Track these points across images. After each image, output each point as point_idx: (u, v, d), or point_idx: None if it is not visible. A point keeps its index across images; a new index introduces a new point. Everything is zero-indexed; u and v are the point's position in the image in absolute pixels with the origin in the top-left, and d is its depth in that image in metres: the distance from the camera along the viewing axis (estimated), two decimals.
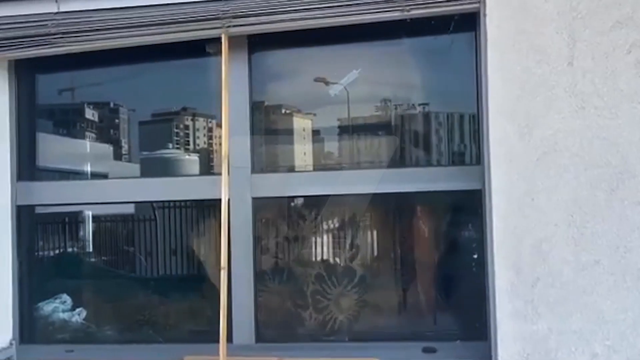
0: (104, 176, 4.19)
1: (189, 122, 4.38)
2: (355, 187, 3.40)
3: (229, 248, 3.15)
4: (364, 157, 3.73)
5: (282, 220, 3.70)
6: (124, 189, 3.69)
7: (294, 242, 3.71)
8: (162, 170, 4.22)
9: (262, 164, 3.57)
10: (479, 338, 3.14)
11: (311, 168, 3.74)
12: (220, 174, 3.16)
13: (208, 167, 4.41)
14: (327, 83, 3.53)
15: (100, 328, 3.80)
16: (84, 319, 3.82)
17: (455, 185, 3.26)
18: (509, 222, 2.85)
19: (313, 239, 3.70)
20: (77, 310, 3.84)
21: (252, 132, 3.44)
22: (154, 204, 4.10)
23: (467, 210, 3.36)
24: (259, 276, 3.49)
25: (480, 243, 3.12)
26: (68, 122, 4.29)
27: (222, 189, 3.11)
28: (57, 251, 4.11)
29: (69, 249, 4.22)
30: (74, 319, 3.81)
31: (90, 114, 4.29)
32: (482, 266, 3.06)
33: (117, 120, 4.40)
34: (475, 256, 3.27)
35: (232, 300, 3.25)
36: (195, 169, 4.42)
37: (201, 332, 3.64)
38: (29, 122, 3.76)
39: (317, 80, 3.55)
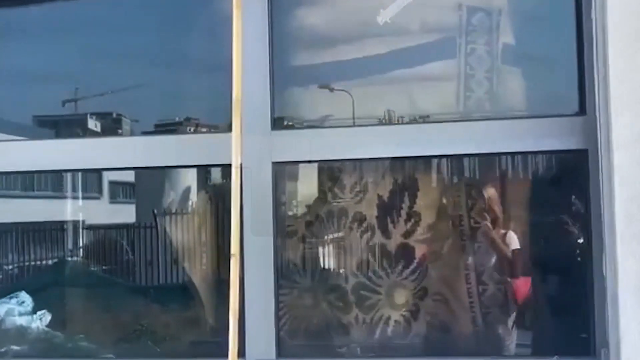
0: None
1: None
2: (412, 147, 2.65)
3: (241, 229, 2.46)
4: (422, 106, 2.98)
5: (312, 193, 3.10)
6: (101, 151, 2.92)
7: (328, 222, 3.08)
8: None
9: (287, 118, 2.87)
10: (585, 353, 2.56)
11: (352, 123, 3.07)
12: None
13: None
14: (331, 90, 3.01)
15: (68, 337, 3.29)
16: (47, 326, 3.37)
17: (548, 143, 2.56)
18: (637, 192, 2.24)
19: (352, 217, 3.08)
20: (39, 313, 3.35)
21: (273, 74, 2.68)
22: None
23: (565, 179, 2.81)
24: (281, 269, 2.87)
25: (587, 223, 2.50)
26: None
27: (233, 150, 2.39)
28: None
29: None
30: (34, 325, 3.33)
31: None
32: (591, 255, 2.47)
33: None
34: (581, 241, 2.68)
35: (244, 301, 2.59)
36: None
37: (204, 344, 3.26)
38: None
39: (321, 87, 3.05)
